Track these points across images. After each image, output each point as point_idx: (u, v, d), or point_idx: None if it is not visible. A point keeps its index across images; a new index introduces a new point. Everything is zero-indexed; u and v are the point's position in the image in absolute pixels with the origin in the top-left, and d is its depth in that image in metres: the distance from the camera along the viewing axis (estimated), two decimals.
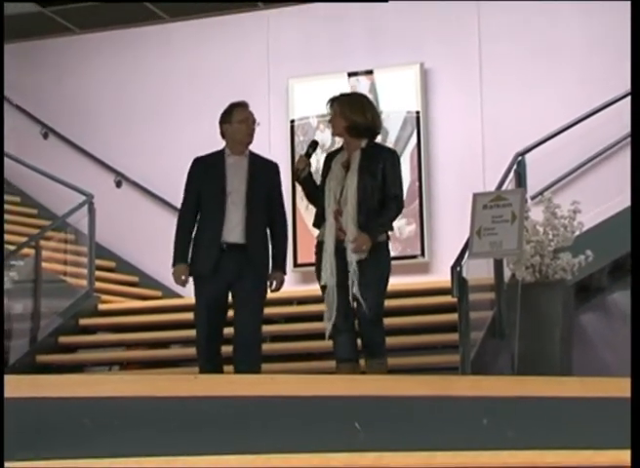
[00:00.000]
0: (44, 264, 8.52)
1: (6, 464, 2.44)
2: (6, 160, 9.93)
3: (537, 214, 6.72)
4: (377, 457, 2.65)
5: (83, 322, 8.68)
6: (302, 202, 9.31)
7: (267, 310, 7.81)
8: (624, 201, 7.92)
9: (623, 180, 8.09)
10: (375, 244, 5.55)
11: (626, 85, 7.97)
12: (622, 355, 7.82)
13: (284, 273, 6.02)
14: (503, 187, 7.30)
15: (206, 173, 5.96)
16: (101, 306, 8.91)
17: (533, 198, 7.13)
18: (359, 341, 5.61)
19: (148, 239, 9.43)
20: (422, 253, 8.82)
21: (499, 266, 6.83)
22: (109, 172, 10.06)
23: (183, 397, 2.89)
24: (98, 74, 10.39)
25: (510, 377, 5.42)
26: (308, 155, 5.87)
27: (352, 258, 5.54)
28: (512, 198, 5.83)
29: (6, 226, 9.58)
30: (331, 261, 5.63)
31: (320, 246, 5.80)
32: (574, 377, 5.06)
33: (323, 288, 5.74)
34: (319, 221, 5.82)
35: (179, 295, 8.32)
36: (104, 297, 9.05)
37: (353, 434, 2.84)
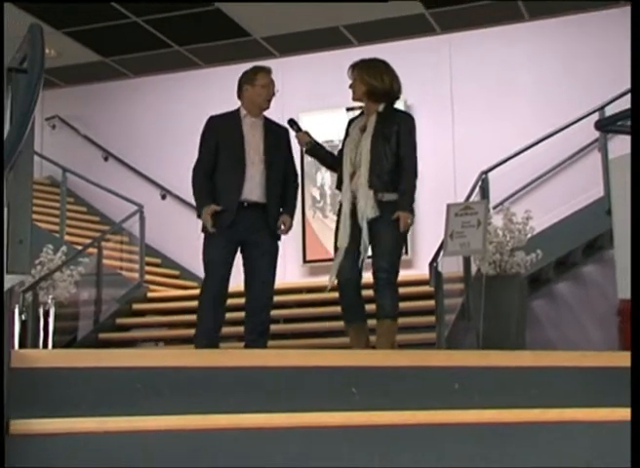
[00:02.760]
0: (104, 261, 8.53)
1: (76, 419, 2.45)
2: (74, 177, 9.99)
3: (497, 220, 6.73)
4: (369, 415, 2.65)
5: (135, 307, 8.69)
6: (310, 210, 9.37)
7: (281, 297, 7.84)
8: (567, 210, 7.95)
9: (566, 194, 8.12)
10: (385, 202, 4.68)
11: (568, 117, 8.01)
12: (565, 333, 7.84)
13: (292, 218, 5.07)
14: (471, 199, 7.30)
15: (223, 131, 5.04)
16: (150, 294, 8.93)
17: (494, 208, 7.15)
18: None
19: (187, 240, 9.36)
20: (406, 252, 8.81)
21: (467, 262, 6.83)
22: (156, 187, 10.08)
23: (215, 367, 2.89)
24: (146, 109, 10.40)
25: (476, 351, 5.41)
26: (300, 130, 5.03)
27: (363, 220, 4.68)
28: (478, 208, 5.82)
29: (74, 230, 9.64)
30: (345, 223, 4.73)
31: (339, 209, 4.90)
32: (527, 351, 5.05)
33: (335, 251, 4.85)
34: (339, 184, 4.89)
35: None
36: (152, 287, 9.07)
37: (350, 397, 2.84)
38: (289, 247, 9.13)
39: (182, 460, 2.44)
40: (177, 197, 9.86)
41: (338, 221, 4.83)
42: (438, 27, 9.18)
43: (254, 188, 4.91)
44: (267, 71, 5.08)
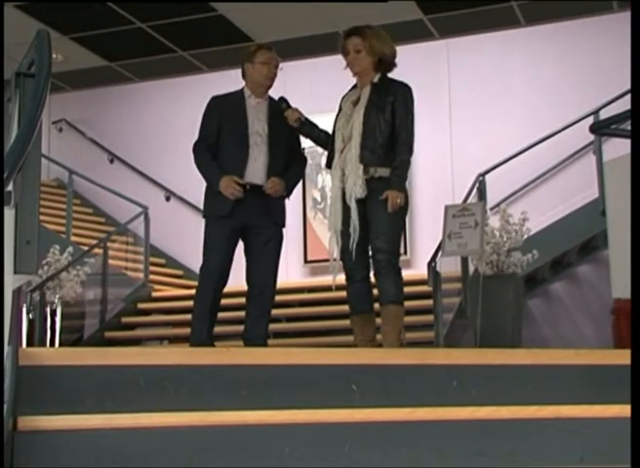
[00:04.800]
0: (110, 261, 8.52)
1: (83, 416, 2.46)
2: (80, 180, 9.98)
3: (494, 221, 6.73)
4: (369, 412, 2.65)
5: (140, 306, 8.69)
6: (311, 211, 9.38)
7: (283, 296, 7.84)
8: (562, 211, 7.95)
9: (562, 195, 8.12)
10: (377, 179, 4.21)
11: (563, 120, 8.01)
12: (560, 331, 7.84)
13: (284, 186, 4.60)
14: (469, 201, 7.30)
15: (226, 111, 4.71)
16: (154, 294, 8.92)
17: (491, 209, 7.13)
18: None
19: (190, 241, 9.30)
20: (405, 252, 8.80)
21: (465, 262, 6.82)
22: (160, 189, 10.07)
23: (218, 365, 2.89)
24: (151, 113, 10.41)
25: (474, 349, 5.41)
26: (289, 107, 4.62)
27: (351, 199, 4.22)
28: (475, 209, 5.82)
29: (80, 231, 9.63)
30: (336, 205, 4.30)
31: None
32: (523, 349, 5.05)
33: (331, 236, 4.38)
34: (330, 163, 4.43)
35: None
36: (157, 287, 9.06)
37: (351, 394, 2.84)
38: (291, 247, 9.14)
39: (186, 456, 2.44)
40: (181, 199, 9.86)
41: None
42: (436, 32, 9.19)
43: (257, 171, 4.58)
44: (267, 48, 4.77)
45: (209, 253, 4.58)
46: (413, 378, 2.97)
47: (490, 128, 8.91)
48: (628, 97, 3.83)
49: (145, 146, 10.34)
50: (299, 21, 8.88)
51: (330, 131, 4.56)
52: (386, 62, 4.33)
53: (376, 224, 4.20)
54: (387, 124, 4.24)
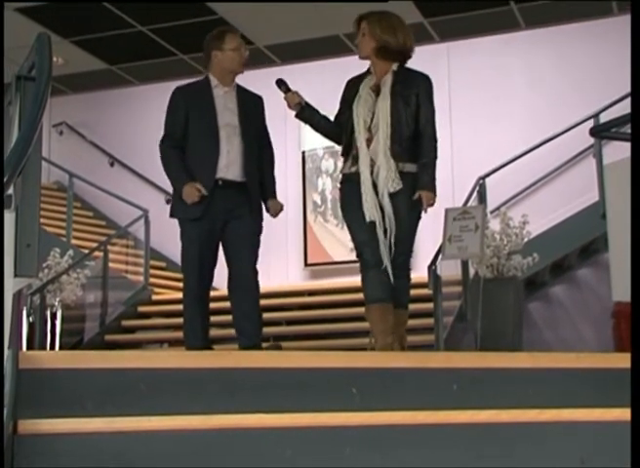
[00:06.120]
0: (110, 264, 8.53)
1: (83, 420, 2.45)
2: (81, 183, 9.99)
3: (494, 224, 6.73)
4: (369, 416, 2.65)
5: (140, 309, 8.70)
6: (312, 214, 9.37)
7: (284, 299, 7.85)
8: (563, 214, 7.95)
9: (562, 199, 8.13)
10: (405, 174, 4.07)
11: (563, 123, 8.02)
12: (561, 334, 7.84)
13: (276, 197, 4.53)
14: (469, 204, 7.30)
15: (193, 104, 4.41)
16: (155, 297, 8.94)
17: (492, 212, 7.13)
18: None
19: None
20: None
21: (465, 266, 6.83)
22: (161, 192, 10.06)
23: (218, 368, 2.89)
24: (151, 116, 10.36)
25: (474, 353, 5.40)
26: (289, 90, 4.31)
27: (384, 193, 4.03)
28: (475, 212, 5.81)
29: (81, 234, 9.64)
30: (369, 193, 4.02)
31: (345, 179, 4.19)
32: (523, 352, 5.05)
33: (349, 227, 4.13)
34: (347, 150, 4.18)
35: (214, 288, 8.32)
36: (157, 290, 9.08)
37: (351, 397, 2.84)
38: (291, 250, 9.14)
39: (187, 460, 2.44)
40: None
41: (343, 194, 4.19)
42: (437, 36, 9.19)
43: (230, 165, 4.34)
44: (234, 32, 4.52)
45: (187, 256, 4.44)
46: (413, 382, 2.97)
47: (490, 131, 8.92)
48: (629, 99, 3.83)
49: (146, 149, 10.30)
50: (299, 25, 8.89)
51: (331, 118, 4.36)
52: (390, 51, 4.15)
53: (400, 222, 4.07)
54: (412, 117, 4.12)
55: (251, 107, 4.46)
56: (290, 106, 4.33)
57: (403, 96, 4.10)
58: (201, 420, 2.52)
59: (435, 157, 4.19)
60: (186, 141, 4.37)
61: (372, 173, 4.07)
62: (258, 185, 4.45)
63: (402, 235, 4.08)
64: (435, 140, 4.19)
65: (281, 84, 4.35)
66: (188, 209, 4.36)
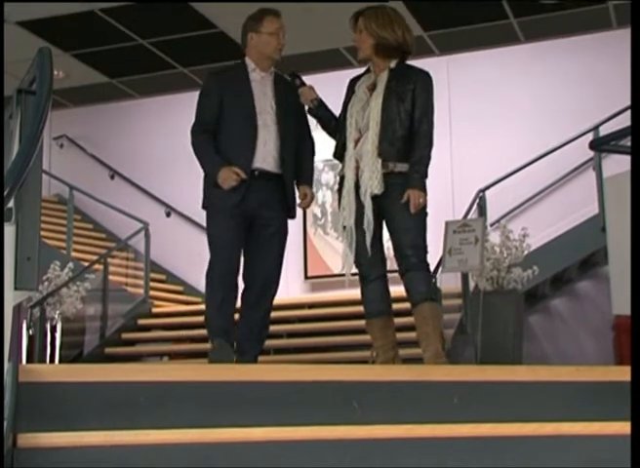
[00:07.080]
0: (110, 277, 8.53)
1: (83, 433, 2.45)
2: (81, 195, 10.00)
3: (494, 237, 6.72)
4: (370, 429, 2.64)
5: (140, 322, 8.68)
6: (312, 227, 9.37)
7: (284, 312, 7.83)
8: (563, 227, 7.95)
9: (562, 212, 8.13)
10: (397, 174, 3.88)
11: (563, 136, 8.03)
12: (561, 347, 7.83)
13: (311, 187, 4.21)
14: (469, 216, 7.30)
15: (228, 89, 4.10)
16: (155, 309, 8.92)
17: (492, 225, 7.13)
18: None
19: (191, 257, 9.40)
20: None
21: (465, 278, 6.83)
22: (161, 205, 10.09)
23: (219, 381, 2.88)
24: (151, 129, 10.43)
25: (474, 366, 5.40)
26: (304, 84, 4.16)
27: (366, 195, 3.83)
28: (475, 225, 5.81)
29: (81, 247, 9.64)
30: (349, 199, 3.87)
31: (341, 181, 3.99)
32: (523, 365, 5.04)
33: (344, 228, 3.94)
34: (340, 152, 4.01)
35: None
36: (157, 302, 9.06)
37: (352, 411, 2.83)
38: (291, 263, 9.14)
39: None
40: (181, 215, 9.87)
41: (340, 197, 3.98)
42: (437, 49, 9.22)
43: (267, 155, 4.05)
44: (275, 14, 4.14)
45: (217, 250, 4.04)
46: (413, 395, 2.97)
47: (490, 144, 8.92)
48: (628, 112, 3.84)
49: (146, 162, 10.35)
50: (299, 38, 8.89)
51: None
52: (388, 47, 3.97)
53: (399, 221, 3.88)
54: (407, 114, 3.89)
55: (288, 93, 4.16)
56: (305, 101, 4.16)
57: (397, 92, 3.91)
58: (201, 434, 2.51)
59: (429, 155, 3.96)
60: (220, 128, 4.08)
61: (357, 175, 3.89)
62: (293, 178, 4.18)
63: (400, 231, 3.89)
64: (430, 137, 3.95)
65: (295, 77, 4.19)
66: (225, 195, 3.99)
